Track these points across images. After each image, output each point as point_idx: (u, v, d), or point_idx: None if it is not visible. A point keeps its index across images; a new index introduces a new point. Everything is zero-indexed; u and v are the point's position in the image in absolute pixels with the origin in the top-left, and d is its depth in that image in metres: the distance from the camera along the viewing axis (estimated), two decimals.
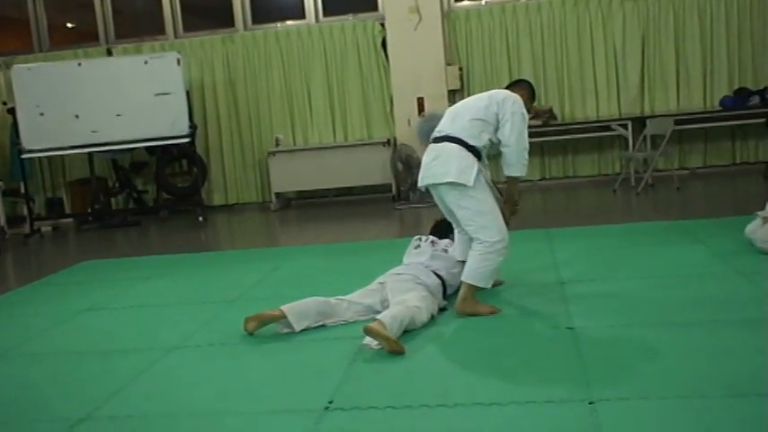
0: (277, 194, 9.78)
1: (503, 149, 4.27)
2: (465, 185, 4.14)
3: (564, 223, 6.96)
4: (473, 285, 4.15)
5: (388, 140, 9.45)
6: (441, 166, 4.22)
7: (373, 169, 9.40)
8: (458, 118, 4.30)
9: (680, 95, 9.34)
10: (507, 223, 4.40)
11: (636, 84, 9.36)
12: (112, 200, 10.23)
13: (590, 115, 9.45)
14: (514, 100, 4.24)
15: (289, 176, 9.64)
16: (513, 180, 4.43)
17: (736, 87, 9.10)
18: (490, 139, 4.26)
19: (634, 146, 8.77)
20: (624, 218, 7.06)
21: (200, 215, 9.22)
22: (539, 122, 8.98)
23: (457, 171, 4.15)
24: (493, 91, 4.43)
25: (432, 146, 4.37)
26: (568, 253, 5.61)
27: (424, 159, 4.37)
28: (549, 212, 8.26)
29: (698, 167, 9.48)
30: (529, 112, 4.48)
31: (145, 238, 8.84)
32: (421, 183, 4.40)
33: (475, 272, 4.14)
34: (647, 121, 8.56)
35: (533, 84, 4.67)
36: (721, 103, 9.00)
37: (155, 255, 7.28)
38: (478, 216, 4.16)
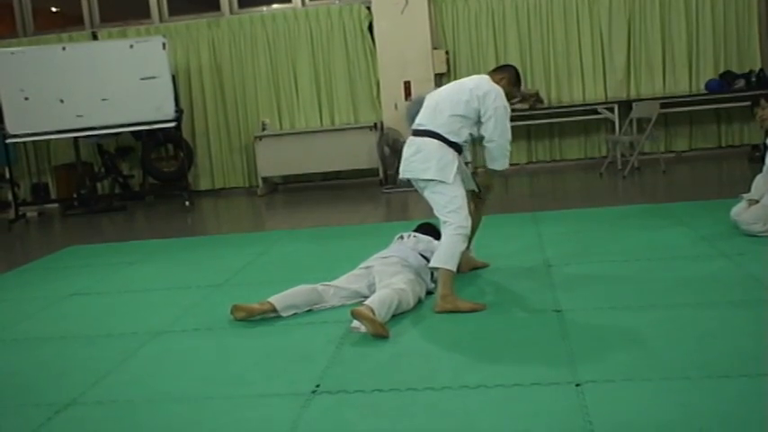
0: (264, 179, 9.75)
1: (486, 144, 4.26)
2: (444, 182, 4.14)
3: (550, 206, 6.97)
4: (449, 278, 4.07)
5: (375, 124, 9.43)
6: (421, 162, 4.21)
7: (360, 153, 9.39)
8: (438, 112, 4.25)
9: (666, 79, 9.37)
10: (483, 201, 4.49)
11: (622, 67, 9.37)
12: (98, 185, 10.17)
13: (576, 99, 9.46)
14: (496, 94, 4.19)
15: (275, 161, 9.61)
16: (494, 171, 4.42)
17: (721, 71, 9.13)
18: (470, 134, 4.26)
19: (620, 129, 8.78)
20: (611, 201, 7.09)
21: (187, 200, 9.18)
22: (525, 106, 8.98)
23: (437, 168, 4.15)
24: (474, 80, 4.34)
25: (412, 139, 4.34)
26: (555, 236, 5.63)
27: (405, 152, 4.35)
28: (535, 196, 8.28)
29: (684, 151, 9.53)
30: (514, 97, 4.47)
31: (131, 224, 8.80)
32: (401, 175, 4.39)
33: (446, 254, 4.08)
34: (634, 105, 8.58)
35: (518, 69, 4.60)
36: (707, 86, 9.04)
37: (141, 240, 7.24)
38: (451, 203, 4.15)
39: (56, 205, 10.12)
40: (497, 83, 4.29)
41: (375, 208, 8.33)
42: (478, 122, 4.23)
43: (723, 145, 9.44)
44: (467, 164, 4.56)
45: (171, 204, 9.53)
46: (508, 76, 4.40)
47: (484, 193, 4.60)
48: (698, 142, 9.50)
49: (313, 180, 10.06)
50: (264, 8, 10.02)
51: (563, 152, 9.69)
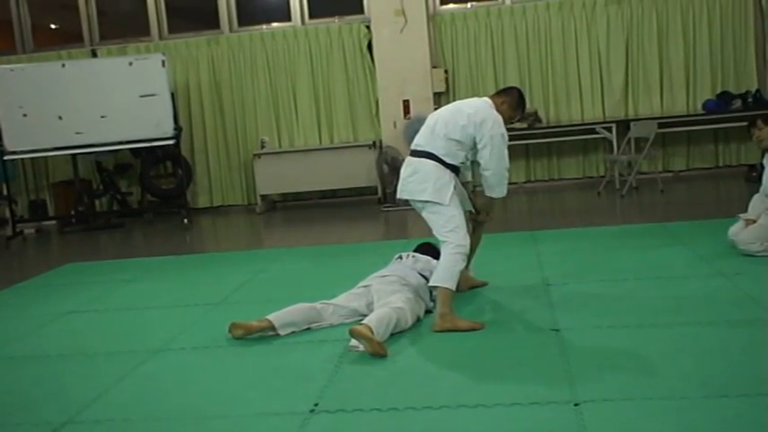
0: (262, 196, 9.75)
1: (483, 172, 4.28)
2: (441, 204, 4.15)
3: (549, 225, 6.98)
4: (448, 297, 4.07)
5: (374, 143, 9.46)
6: (418, 183, 4.23)
7: (359, 171, 9.40)
8: (435, 134, 4.26)
9: (663, 99, 9.41)
10: (481, 224, 4.54)
11: (620, 87, 9.42)
12: (96, 202, 10.16)
13: (575, 118, 9.50)
14: (494, 121, 4.19)
15: (274, 178, 9.63)
16: (492, 200, 4.43)
17: (718, 91, 9.17)
18: (466, 156, 4.28)
19: (618, 149, 8.81)
20: (609, 220, 7.10)
21: (185, 217, 9.18)
22: (524, 125, 9.01)
23: (433, 190, 4.17)
24: (473, 105, 4.31)
25: (410, 159, 4.35)
26: (553, 255, 5.64)
27: (403, 172, 4.36)
28: (534, 215, 8.28)
29: (681, 170, 9.55)
30: (514, 120, 4.48)
31: (129, 241, 8.80)
32: (399, 195, 4.40)
33: (446, 273, 4.09)
34: (631, 124, 8.61)
35: (522, 91, 4.57)
36: (704, 106, 9.08)
37: (139, 257, 7.24)
38: (449, 222, 4.16)
39: (54, 222, 10.10)
40: (499, 107, 4.30)
41: (374, 226, 8.33)
42: (474, 148, 4.24)
43: (720, 165, 9.47)
44: (466, 183, 4.57)
45: (169, 222, 9.53)
46: (510, 100, 4.39)
47: (482, 216, 4.60)
48: (695, 162, 9.53)
49: (312, 198, 10.07)
50: (264, 26, 10.07)
51: (561, 171, 9.71)
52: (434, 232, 4.25)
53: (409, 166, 4.34)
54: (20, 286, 6.32)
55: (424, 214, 4.29)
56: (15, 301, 5.81)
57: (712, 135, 9.37)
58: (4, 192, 9.48)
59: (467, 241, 4.19)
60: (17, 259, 8.22)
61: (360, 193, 9.74)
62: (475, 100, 4.43)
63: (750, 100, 8.91)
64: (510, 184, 9.32)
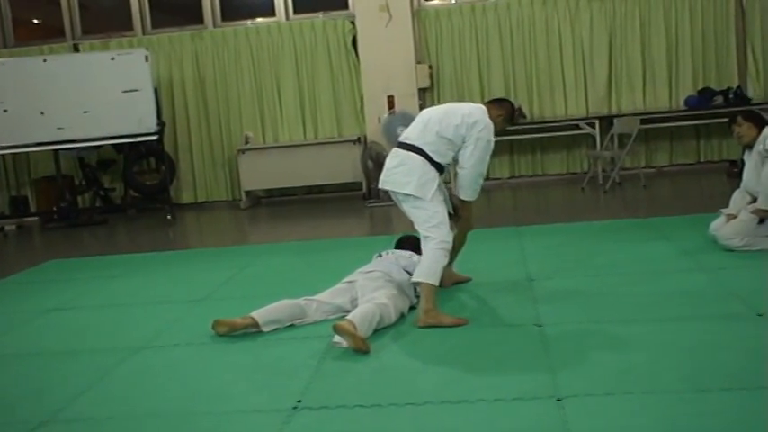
0: (247, 192, 9.72)
1: (458, 170, 4.31)
2: (422, 199, 4.16)
3: (533, 221, 7.01)
4: (432, 293, 4.07)
5: (359, 138, 9.45)
6: (402, 176, 4.23)
7: (344, 167, 9.39)
8: (427, 130, 4.26)
9: (646, 95, 9.46)
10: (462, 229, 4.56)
11: (603, 83, 9.46)
12: (79, 198, 10.10)
13: (558, 114, 9.53)
14: (485, 126, 4.22)
15: (259, 174, 9.60)
16: (463, 202, 4.45)
17: (700, 87, 9.23)
18: (454, 158, 4.30)
19: (602, 144, 8.85)
20: (592, 215, 7.11)
21: (169, 213, 9.13)
22: None
23: (417, 185, 4.17)
24: (470, 107, 4.35)
25: (396, 150, 4.35)
26: (537, 250, 5.66)
27: (388, 163, 4.36)
28: (518, 210, 8.31)
29: (664, 166, 9.61)
30: (503, 133, 4.51)
31: (112, 237, 8.74)
32: (381, 185, 4.40)
33: (429, 268, 4.09)
34: (614, 120, 8.65)
35: (515, 105, 4.63)
36: (686, 102, 9.14)
37: (122, 254, 7.20)
38: (433, 218, 4.17)
39: (36, 219, 10.02)
40: (495, 118, 4.33)
41: (359, 222, 8.32)
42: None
43: (702, 160, 9.54)
44: (446, 183, 4.58)
45: (153, 218, 9.48)
46: (505, 114, 4.45)
47: (461, 220, 4.58)
48: (678, 157, 9.59)
49: (296, 194, 10.05)
50: (248, 21, 10.03)
51: (545, 167, 9.74)
52: (417, 227, 4.25)
53: (396, 157, 4.34)
54: (0, 283, 6.26)
55: (404, 207, 4.29)
56: None
57: (694, 131, 9.43)
58: None
59: (450, 237, 4.20)
60: None
61: (345, 189, 9.73)
62: (470, 104, 4.47)
63: (731, 96, 8.98)
64: (494, 179, 9.46)
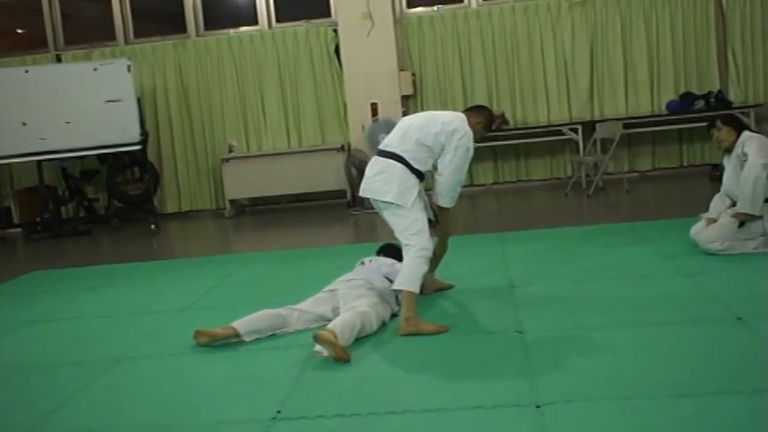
0: (231, 201, 9.69)
1: (437, 177, 4.33)
2: (403, 206, 4.16)
3: (516, 227, 7.02)
4: (413, 300, 4.07)
5: (343, 146, 9.44)
6: (382, 184, 4.24)
7: (328, 175, 9.38)
8: (407, 137, 4.28)
9: (628, 100, 9.51)
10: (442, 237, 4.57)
11: (585, 88, 9.50)
12: (62, 208, 10.04)
13: (541, 120, 9.56)
14: (464, 133, 4.24)
15: (242, 183, 9.57)
16: (442, 210, 4.46)
17: (682, 92, 9.28)
18: (434, 165, 4.31)
19: (585, 149, 8.88)
20: (575, 220, 7.14)
21: (152, 223, 9.09)
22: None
23: (397, 192, 4.18)
24: (450, 115, 4.38)
25: (377, 159, 4.36)
26: (520, 256, 5.67)
27: (368, 171, 4.37)
28: (501, 216, 8.33)
29: (647, 170, 9.66)
30: (485, 139, 4.54)
31: (95, 247, 8.70)
32: (362, 193, 4.41)
33: (409, 276, 4.09)
34: (597, 126, 8.68)
35: (494, 112, 4.67)
36: (668, 107, 9.19)
37: (105, 264, 7.16)
38: (413, 225, 4.18)
39: (19, 230, 9.95)
40: (474, 125, 4.36)
41: (342, 230, 8.32)
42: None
43: (685, 164, 9.59)
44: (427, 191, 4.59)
45: (137, 228, 9.44)
46: (484, 122, 4.50)
47: (440, 226, 4.59)
48: (661, 162, 9.64)
49: (281, 202, 10.03)
50: (231, 30, 10.01)
51: (529, 172, 9.77)
52: (397, 234, 4.26)
53: (376, 165, 4.35)
54: None
55: (385, 215, 4.30)
56: None
57: (677, 135, 9.48)
58: None
59: (430, 244, 4.20)
60: None
61: (329, 197, 9.72)
62: (450, 112, 4.50)
63: (713, 100, 9.03)
64: (478, 185, 9.47)
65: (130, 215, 9.97)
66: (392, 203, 4.21)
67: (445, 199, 4.38)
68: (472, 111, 4.54)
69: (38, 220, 9.65)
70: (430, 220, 4.46)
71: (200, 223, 9.65)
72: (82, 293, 5.90)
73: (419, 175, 4.28)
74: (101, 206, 10.20)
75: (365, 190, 4.37)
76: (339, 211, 9.16)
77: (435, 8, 9.72)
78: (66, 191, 9.98)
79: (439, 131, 4.24)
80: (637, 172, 9.63)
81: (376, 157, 4.39)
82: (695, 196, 8.02)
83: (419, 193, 4.28)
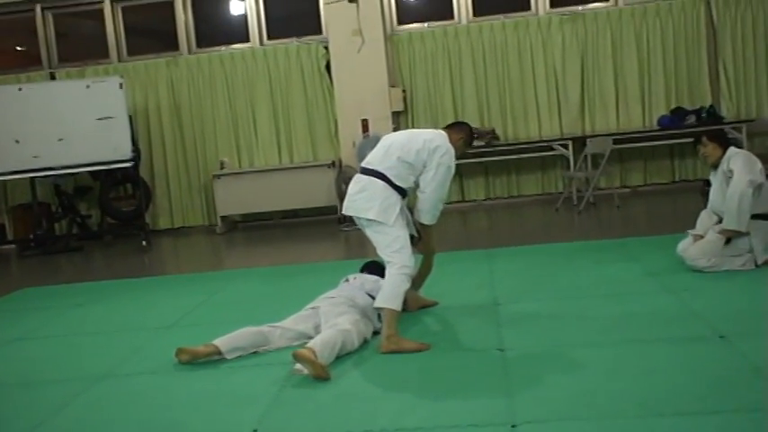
0: (223, 217, 9.70)
1: (419, 194, 4.35)
2: (384, 224, 4.17)
3: (505, 243, 7.02)
4: (394, 318, 4.07)
5: (333, 162, 9.46)
6: (364, 201, 4.25)
7: (319, 191, 9.39)
8: (388, 155, 4.30)
9: (619, 115, 9.53)
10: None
11: (576, 104, 9.52)
12: (56, 225, 10.04)
13: (532, 135, 9.58)
14: (446, 151, 4.27)
15: (234, 199, 9.58)
16: (424, 227, 4.47)
17: (673, 107, 9.30)
18: (415, 181, 4.32)
19: (575, 165, 8.89)
20: (565, 236, 7.14)
21: (144, 239, 9.09)
22: (482, 143, 9.08)
23: (379, 209, 4.19)
24: (431, 133, 4.41)
25: (359, 176, 4.38)
26: (506, 273, 5.67)
27: (351, 189, 4.38)
28: (491, 232, 8.33)
29: (639, 186, 9.66)
30: (472, 156, 4.55)
31: (87, 264, 8.69)
32: (345, 211, 4.42)
33: (390, 293, 4.09)
34: (587, 141, 8.69)
35: (472, 128, 4.70)
36: (659, 122, 9.21)
37: (95, 281, 7.15)
38: (394, 243, 4.19)
39: (12, 246, 9.95)
40: (455, 142, 4.38)
41: (333, 246, 8.32)
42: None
43: (677, 179, 9.60)
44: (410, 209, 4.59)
45: (129, 244, 9.43)
46: (465, 137, 4.52)
47: (422, 243, 4.59)
48: (652, 177, 9.65)
49: (272, 218, 10.03)
50: (223, 47, 10.05)
51: (520, 188, 9.78)
52: (379, 252, 4.27)
53: (358, 183, 4.37)
54: None
55: (368, 232, 4.31)
56: None
57: (668, 150, 9.50)
58: None
59: (411, 261, 4.20)
60: None
61: (320, 213, 9.73)
62: (431, 130, 4.53)
63: (704, 115, 9.05)
64: (470, 201, 9.45)
65: (123, 231, 9.97)
66: (374, 221, 4.22)
67: (427, 216, 4.39)
68: (453, 128, 4.57)
69: (31, 236, 9.65)
70: (412, 237, 4.46)
71: (192, 239, 9.65)
72: (70, 310, 5.90)
73: (401, 192, 4.29)
74: (94, 222, 10.20)
75: (348, 207, 4.39)
76: (330, 228, 9.16)
77: (426, 25, 9.76)
78: (59, 207, 9.98)
79: (421, 148, 4.27)
80: (629, 187, 9.64)
81: (358, 174, 4.41)
82: (686, 212, 7.95)
83: (401, 209, 4.28)
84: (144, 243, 9.04)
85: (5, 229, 10.25)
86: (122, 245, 9.52)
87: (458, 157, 4.38)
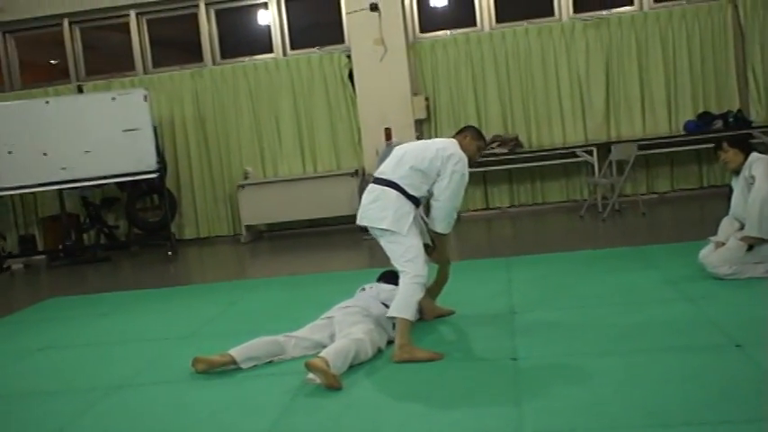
0: (248, 227, 9.76)
1: (432, 202, 4.35)
2: (398, 233, 4.17)
3: (527, 250, 6.98)
4: (406, 327, 4.07)
5: (356, 171, 9.48)
6: (378, 211, 4.26)
7: (342, 200, 9.41)
8: (401, 164, 4.31)
9: (645, 120, 9.43)
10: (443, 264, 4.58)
11: (601, 110, 9.44)
12: (85, 236, 10.19)
13: (557, 142, 9.51)
14: (459, 159, 4.27)
15: (258, 209, 9.65)
16: (438, 236, 4.46)
17: (700, 111, 9.17)
18: (429, 191, 4.32)
19: (600, 171, 8.80)
20: (588, 244, 7.07)
21: (169, 249, 9.19)
22: (505, 150, 9.04)
23: (392, 219, 4.19)
24: (443, 142, 4.43)
25: (372, 186, 4.38)
26: (525, 281, 5.63)
27: (364, 199, 4.39)
28: (512, 240, 8.28)
29: (666, 192, 9.54)
30: (476, 160, 4.53)
31: (114, 274, 8.80)
32: (359, 221, 4.43)
33: (403, 303, 4.09)
34: (612, 147, 8.60)
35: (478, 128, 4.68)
36: (685, 127, 9.09)
37: (120, 291, 7.24)
38: (408, 252, 4.18)
39: (43, 257, 10.12)
40: (467, 148, 4.39)
41: (355, 255, 8.33)
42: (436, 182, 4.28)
43: (705, 185, 9.47)
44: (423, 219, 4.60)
45: (155, 254, 9.54)
46: (470, 134, 4.51)
47: (436, 252, 4.58)
48: (680, 183, 9.53)
49: (297, 227, 10.08)
50: (246, 58, 10.14)
51: (545, 195, 9.71)
52: (393, 262, 4.27)
53: (371, 193, 4.38)
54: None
55: (382, 242, 4.31)
56: None
57: (695, 156, 9.37)
58: None
59: (425, 271, 4.20)
60: (1, 295, 8.22)
61: (344, 222, 9.73)
62: (443, 139, 4.56)
63: (731, 120, 8.92)
64: (494, 209, 9.40)
65: (149, 241, 10.08)
66: (388, 230, 4.23)
67: (441, 224, 4.39)
68: (460, 134, 4.54)
69: (60, 247, 9.80)
70: (427, 246, 4.46)
71: (217, 249, 9.73)
72: (94, 320, 5.98)
73: (415, 201, 4.29)
74: (121, 233, 10.34)
75: (362, 217, 4.40)
76: (353, 236, 9.14)
77: (448, 32, 9.75)
78: (87, 218, 10.13)
79: (434, 157, 4.27)
80: (655, 193, 9.52)
81: (372, 184, 4.42)
82: (712, 218, 7.78)
83: (415, 219, 4.28)
84: (169, 253, 9.14)
85: (36, 239, 10.44)
86: (149, 255, 9.63)
87: (471, 164, 4.38)
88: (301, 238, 9.74)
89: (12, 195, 9.89)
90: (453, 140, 4.43)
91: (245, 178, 9.80)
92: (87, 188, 9.53)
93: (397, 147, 4.58)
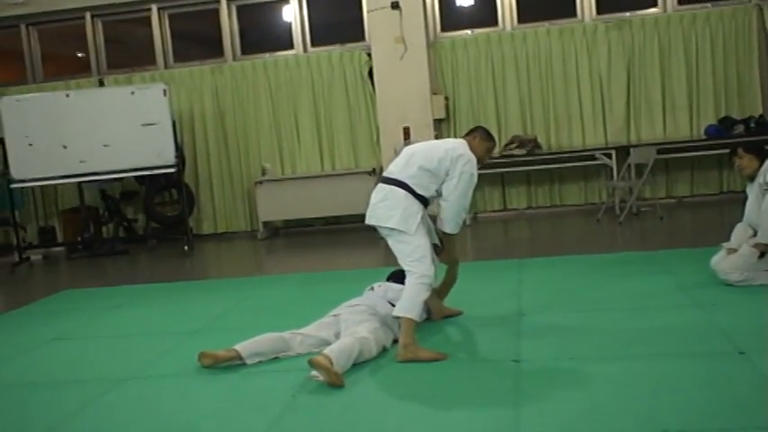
0: (265, 223, 9.80)
1: (441, 203, 4.34)
2: (406, 233, 4.15)
3: (541, 252, 6.95)
4: (411, 327, 4.06)
5: (374, 169, 9.47)
6: (386, 210, 4.26)
7: (360, 198, 9.26)
8: (410, 164, 4.31)
9: (666, 124, 9.34)
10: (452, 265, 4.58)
11: (621, 113, 9.36)
12: (103, 228, 10.29)
13: (576, 144, 9.44)
14: (468, 159, 4.27)
15: (276, 205, 9.67)
16: (446, 236, 4.44)
17: (722, 116, 9.07)
18: (437, 191, 4.32)
19: (619, 175, 8.73)
20: (602, 248, 7.02)
21: (186, 244, 9.25)
22: (524, 151, 9.00)
23: (400, 218, 4.19)
24: (452, 142, 4.45)
25: (381, 186, 4.39)
26: (535, 283, 5.61)
27: (372, 198, 4.40)
28: (527, 241, 8.24)
29: (685, 196, 9.44)
30: (485, 161, 4.53)
31: (130, 267, 8.88)
32: (367, 220, 4.44)
33: (408, 302, 4.09)
34: (630, 150, 8.53)
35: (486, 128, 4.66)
36: (706, 131, 8.99)
37: (136, 284, 7.30)
38: (414, 252, 4.18)
39: (62, 248, 10.23)
40: (476, 148, 4.39)
41: (370, 253, 8.31)
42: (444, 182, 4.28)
43: (725, 190, 9.35)
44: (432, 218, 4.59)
45: (172, 248, 9.59)
46: (479, 134, 4.50)
47: (444, 253, 4.57)
48: (699, 188, 9.42)
49: (314, 224, 10.10)
50: (267, 54, 10.17)
51: (563, 197, 9.65)
52: (400, 261, 4.27)
53: (380, 192, 4.39)
54: (13, 313, 6.40)
55: (390, 242, 4.32)
56: (4, 328, 5.88)
57: (716, 160, 9.24)
58: (11, 219, 9.60)
59: (431, 271, 4.19)
60: (18, 286, 8.33)
61: (360, 220, 9.69)
62: (452, 139, 4.59)
63: (753, 125, 8.80)
64: (512, 210, 9.37)
65: (167, 236, 10.14)
66: (395, 229, 4.23)
67: (450, 225, 4.38)
68: (474, 136, 4.53)
69: (79, 239, 9.90)
70: (435, 246, 4.45)
71: (234, 244, 9.77)
72: (108, 312, 6.04)
73: (423, 201, 4.29)
74: (139, 226, 10.41)
75: (370, 216, 4.41)
76: (369, 235, 9.07)
77: (469, 32, 9.72)
78: (105, 212, 10.22)
79: (443, 156, 4.27)
80: (674, 198, 9.43)
81: (380, 183, 4.43)
82: (730, 224, 7.70)
83: (422, 218, 4.28)
84: (186, 248, 9.19)
85: (56, 231, 10.55)
86: (166, 249, 9.69)
87: (480, 162, 4.38)
88: (317, 235, 9.76)
89: (32, 187, 9.99)
90: (463, 141, 4.43)
91: (263, 175, 9.83)
92: (106, 182, 9.60)
93: (407, 147, 4.59)
